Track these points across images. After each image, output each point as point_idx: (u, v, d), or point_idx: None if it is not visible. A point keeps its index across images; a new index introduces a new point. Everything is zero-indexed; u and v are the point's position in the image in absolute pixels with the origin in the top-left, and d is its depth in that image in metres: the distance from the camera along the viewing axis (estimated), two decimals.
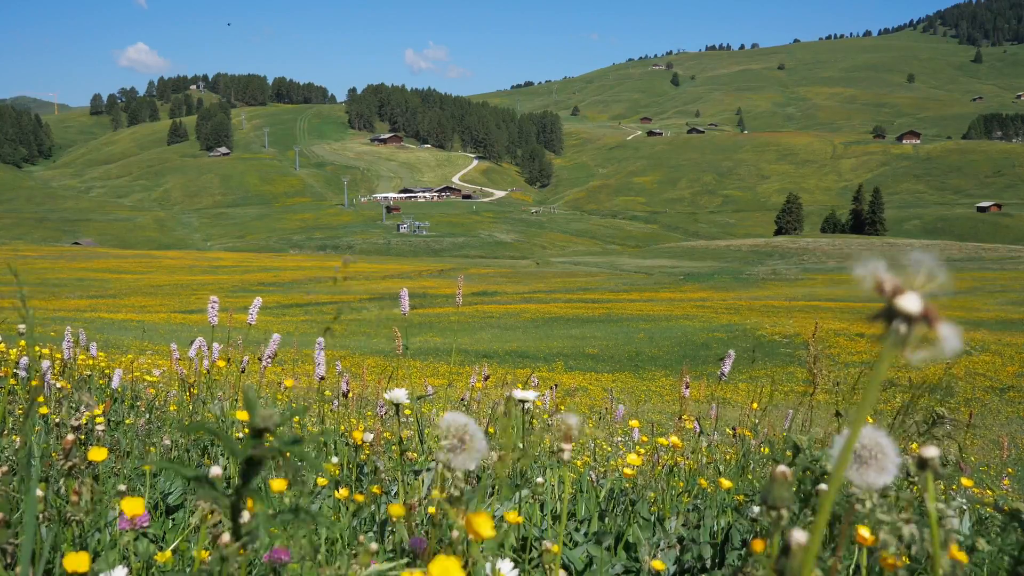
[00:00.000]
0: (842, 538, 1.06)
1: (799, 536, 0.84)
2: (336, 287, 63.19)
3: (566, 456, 1.13)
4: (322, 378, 2.97)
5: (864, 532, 1.16)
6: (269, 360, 3.15)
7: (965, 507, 2.29)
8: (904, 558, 1.06)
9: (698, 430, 3.69)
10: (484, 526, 0.99)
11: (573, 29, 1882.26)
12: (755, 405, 3.67)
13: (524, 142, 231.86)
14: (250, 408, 0.83)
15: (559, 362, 28.12)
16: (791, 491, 0.94)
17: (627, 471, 2.61)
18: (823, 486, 1.25)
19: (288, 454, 0.82)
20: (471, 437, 1.01)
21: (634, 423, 3.94)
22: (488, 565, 1.23)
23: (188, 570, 1.89)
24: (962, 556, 1.08)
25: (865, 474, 0.82)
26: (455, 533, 1.11)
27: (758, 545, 1.12)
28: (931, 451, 1.00)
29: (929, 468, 1.00)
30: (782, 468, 0.93)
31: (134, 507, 1.36)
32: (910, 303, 0.57)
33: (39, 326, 21.07)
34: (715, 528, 2.49)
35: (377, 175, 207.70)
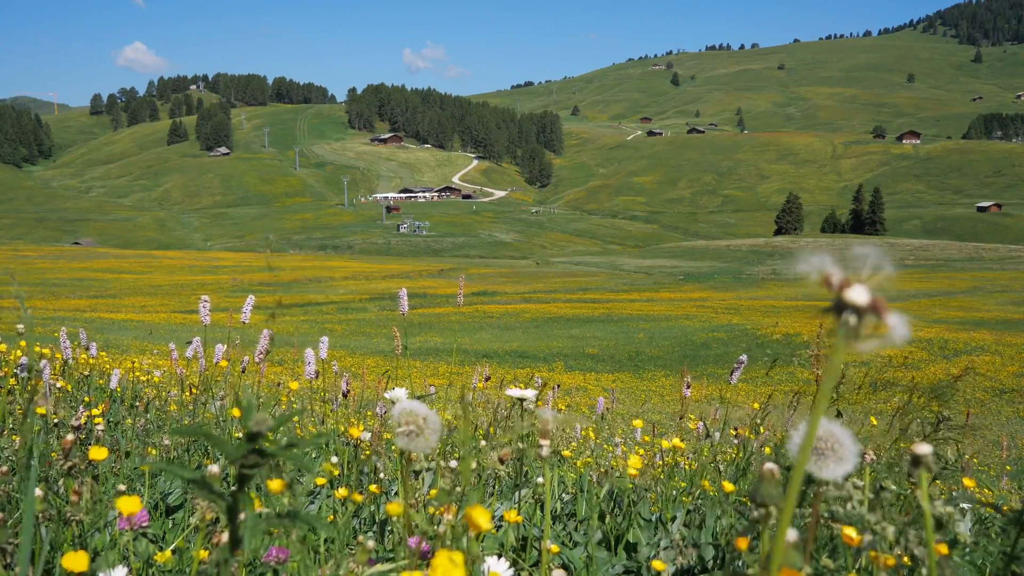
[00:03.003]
0: (813, 526, 1.06)
1: (790, 535, 0.85)
2: (336, 287, 63.20)
3: (545, 452, 1.13)
4: (314, 376, 2.97)
5: (850, 532, 1.16)
6: (261, 356, 3.15)
7: (966, 508, 2.28)
8: (905, 558, 1.06)
9: (700, 430, 3.68)
10: (482, 518, 0.99)
11: (573, 29, 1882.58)
12: (756, 405, 3.67)
13: (524, 142, 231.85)
14: (245, 413, 0.83)
15: (559, 362, 28.11)
16: (780, 489, 0.94)
17: (630, 471, 2.61)
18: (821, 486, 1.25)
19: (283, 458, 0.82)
20: (427, 422, 1.02)
21: (637, 423, 3.94)
22: (483, 567, 1.22)
23: (188, 570, 1.89)
24: (942, 548, 1.08)
25: (824, 466, 0.83)
26: (441, 528, 1.11)
27: (741, 543, 1.12)
28: (924, 448, 1.00)
29: (923, 465, 1.00)
30: (770, 465, 0.93)
31: (130, 505, 1.36)
32: (858, 295, 0.58)
33: (39, 326, 21.06)
34: (716, 529, 2.49)
35: (377, 175, 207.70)
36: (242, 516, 0.84)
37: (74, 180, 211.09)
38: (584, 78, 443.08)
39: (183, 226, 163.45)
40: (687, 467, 3.57)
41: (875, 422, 3.69)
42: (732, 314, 40.30)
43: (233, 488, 0.83)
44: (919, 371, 23.48)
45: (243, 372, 4.06)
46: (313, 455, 2.91)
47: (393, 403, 1.75)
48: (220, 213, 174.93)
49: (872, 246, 0.61)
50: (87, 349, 5.23)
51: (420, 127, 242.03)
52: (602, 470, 4.23)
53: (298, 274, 73.89)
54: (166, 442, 3.19)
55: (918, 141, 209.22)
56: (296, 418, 4.98)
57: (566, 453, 4.27)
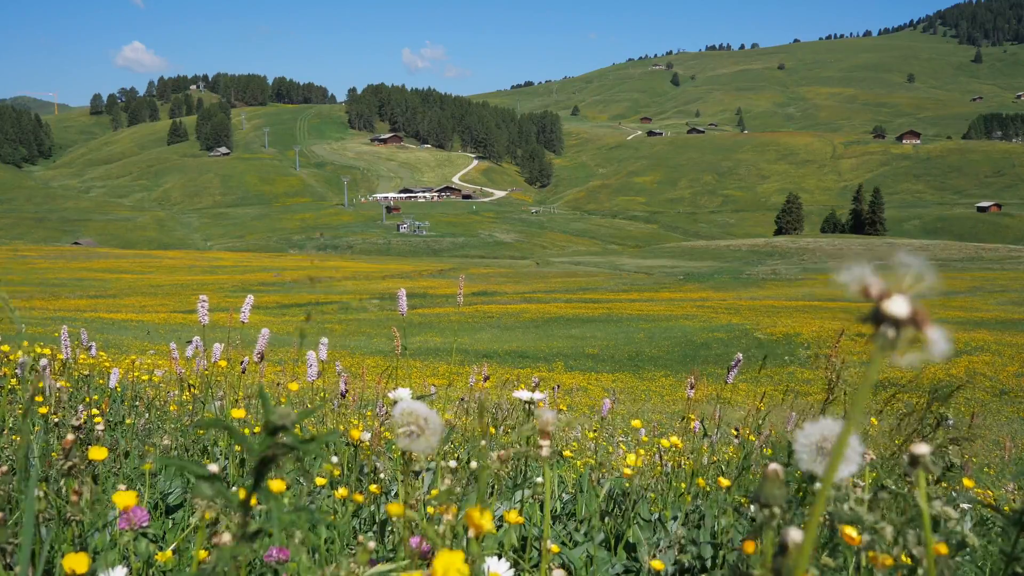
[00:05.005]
0: (813, 525, 1.06)
1: (795, 535, 0.84)
2: (336, 287, 63.20)
3: (545, 452, 1.13)
4: (316, 377, 2.96)
5: (851, 532, 1.16)
6: (259, 355, 3.15)
7: (967, 508, 2.28)
8: (905, 557, 1.06)
9: (700, 431, 3.68)
10: (484, 520, 0.99)
11: (573, 29, 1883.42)
12: (762, 405, 3.67)
13: (524, 142, 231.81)
14: (267, 406, 0.84)
15: (559, 362, 28.11)
16: (784, 489, 0.93)
17: (627, 471, 2.61)
18: (817, 484, 1.25)
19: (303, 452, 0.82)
20: (427, 423, 1.02)
21: (636, 423, 3.93)
22: (484, 567, 1.22)
23: (188, 570, 1.89)
24: (942, 548, 1.08)
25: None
26: (441, 527, 1.11)
27: (748, 546, 1.11)
28: (922, 448, 1.00)
29: (920, 465, 1.00)
30: (774, 466, 0.93)
31: (126, 499, 1.36)
32: (898, 307, 0.55)
33: (39, 326, 21.06)
34: (716, 528, 2.49)
35: (377, 175, 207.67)
36: (257, 511, 0.84)
37: (74, 180, 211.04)
38: (584, 78, 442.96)
39: (183, 226, 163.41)
40: (687, 467, 3.57)
41: (875, 422, 3.69)
42: (732, 314, 40.30)
43: (248, 484, 0.83)
44: (919, 371, 23.48)
45: (243, 372, 4.06)
46: (327, 452, 2.90)
47: (395, 403, 1.76)
48: (220, 213, 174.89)
49: (916, 255, 0.57)
50: (87, 349, 5.23)
51: (420, 127, 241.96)
52: (603, 470, 4.24)
53: (298, 274, 73.89)
54: (165, 442, 3.19)
55: (918, 141, 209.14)
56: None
57: (567, 453, 4.27)
